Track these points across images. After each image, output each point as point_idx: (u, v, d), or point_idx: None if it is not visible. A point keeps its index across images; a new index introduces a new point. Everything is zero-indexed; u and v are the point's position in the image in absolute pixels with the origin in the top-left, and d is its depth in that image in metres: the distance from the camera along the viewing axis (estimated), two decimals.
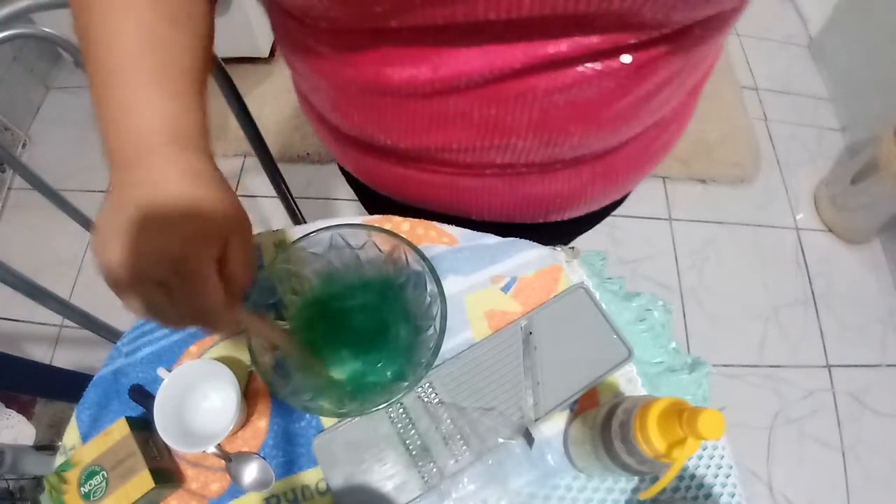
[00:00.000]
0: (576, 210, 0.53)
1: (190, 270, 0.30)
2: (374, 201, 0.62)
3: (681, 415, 0.33)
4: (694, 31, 0.34)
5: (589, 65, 0.34)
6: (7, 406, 1.13)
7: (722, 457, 0.48)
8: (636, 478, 0.47)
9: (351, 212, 1.55)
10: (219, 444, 0.46)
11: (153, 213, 0.30)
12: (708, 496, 0.47)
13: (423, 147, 0.43)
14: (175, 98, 0.33)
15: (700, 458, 0.48)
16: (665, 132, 0.48)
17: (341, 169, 0.65)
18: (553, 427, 0.49)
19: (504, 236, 0.56)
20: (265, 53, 1.65)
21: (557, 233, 0.61)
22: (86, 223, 0.78)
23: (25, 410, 1.15)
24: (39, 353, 1.37)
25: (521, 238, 0.56)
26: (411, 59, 0.35)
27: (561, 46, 0.32)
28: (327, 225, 0.48)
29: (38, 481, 0.99)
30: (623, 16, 0.30)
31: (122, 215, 0.30)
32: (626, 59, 0.34)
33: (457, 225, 0.56)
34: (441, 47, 0.34)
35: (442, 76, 0.35)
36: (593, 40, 0.32)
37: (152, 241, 0.29)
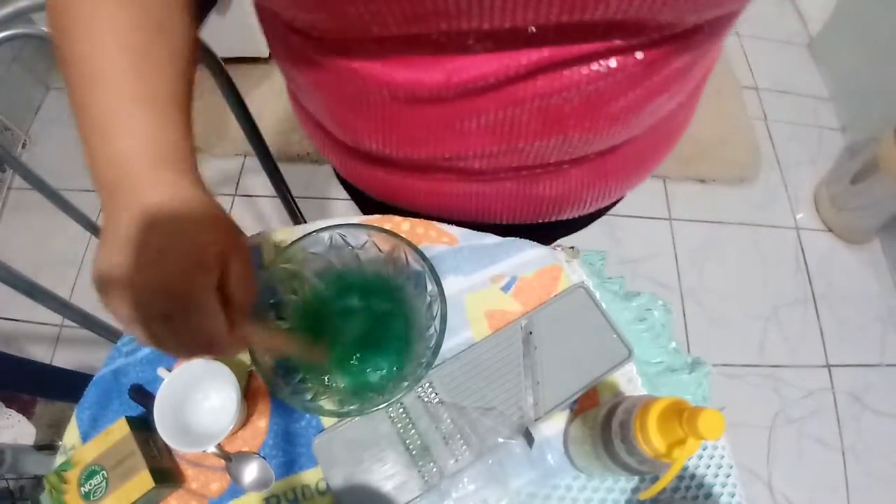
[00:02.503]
0: (587, 207, 0.53)
1: (191, 303, 0.29)
2: (371, 205, 0.62)
3: (681, 415, 0.33)
4: (703, 29, 0.35)
5: (604, 62, 0.34)
6: (7, 406, 1.13)
7: (722, 457, 0.48)
8: (636, 478, 0.47)
9: (351, 212, 1.55)
10: (219, 444, 0.46)
11: (147, 246, 0.29)
12: (708, 496, 0.47)
13: (438, 156, 0.43)
14: (158, 118, 0.32)
15: (700, 458, 0.48)
16: (672, 125, 0.49)
17: (337, 175, 0.64)
18: (553, 427, 0.49)
19: (507, 236, 0.56)
20: (265, 54, 1.65)
21: (562, 230, 0.61)
22: (86, 223, 0.78)
23: (25, 410, 1.15)
24: (39, 353, 1.37)
25: (524, 237, 0.56)
26: (423, 63, 0.35)
27: (577, 48, 0.33)
28: (327, 225, 0.48)
29: (38, 481, 0.99)
30: (639, 21, 0.31)
31: (116, 249, 0.29)
32: (639, 55, 0.34)
33: (458, 226, 0.56)
34: (451, 51, 0.34)
35: (456, 80, 0.35)
36: (610, 42, 0.33)
37: (149, 276, 0.29)
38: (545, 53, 0.33)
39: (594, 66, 0.34)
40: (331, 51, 0.38)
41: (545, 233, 0.58)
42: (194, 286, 0.29)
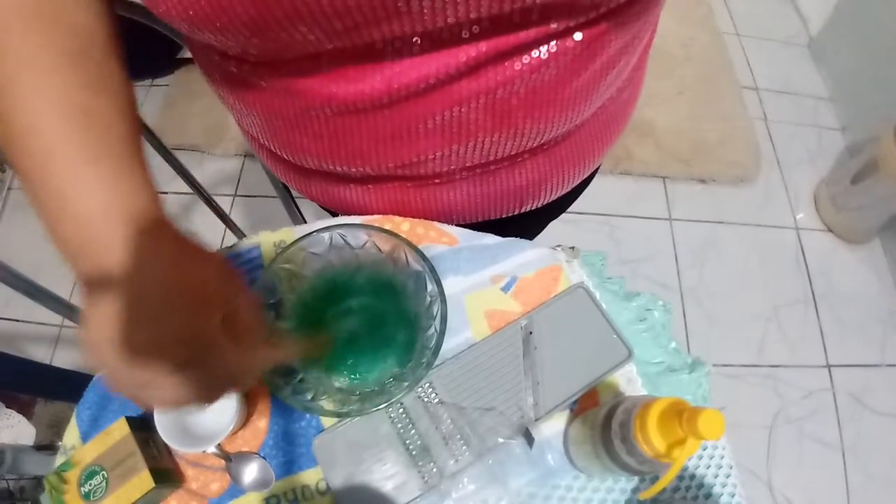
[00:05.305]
0: (548, 196, 0.54)
1: (209, 344, 0.29)
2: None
3: (681, 415, 0.33)
4: (639, 1, 0.35)
5: (543, 48, 0.34)
6: (7, 406, 1.13)
7: (722, 457, 0.48)
8: (636, 478, 0.47)
9: None
10: (219, 444, 0.46)
11: (147, 302, 0.27)
12: (708, 496, 0.47)
13: (389, 165, 0.43)
14: (117, 173, 0.29)
15: (700, 458, 0.48)
16: (618, 104, 0.49)
17: None
18: (553, 427, 0.49)
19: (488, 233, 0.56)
20: None
21: (534, 222, 0.61)
22: None
23: (25, 410, 1.15)
24: (39, 353, 1.37)
25: (489, 231, 0.56)
26: (362, 72, 0.35)
27: (514, 37, 0.33)
28: (327, 225, 0.48)
29: (38, 481, 0.99)
30: (571, 2, 0.31)
31: (112, 314, 0.27)
32: (578, 36, 0.34)
33: None
34: (389, 57, 0.34)
35: (397, 85, 0.35)
36: (547, 26, 0.32)
37: (158, 330, 0.27)
38: (483, 48, 0.33)
39: (535, 54, 0.34)
40: (266, 72, 0.37)
41: (525, 223, 0.59)
42: (207, 327, 0.29)
